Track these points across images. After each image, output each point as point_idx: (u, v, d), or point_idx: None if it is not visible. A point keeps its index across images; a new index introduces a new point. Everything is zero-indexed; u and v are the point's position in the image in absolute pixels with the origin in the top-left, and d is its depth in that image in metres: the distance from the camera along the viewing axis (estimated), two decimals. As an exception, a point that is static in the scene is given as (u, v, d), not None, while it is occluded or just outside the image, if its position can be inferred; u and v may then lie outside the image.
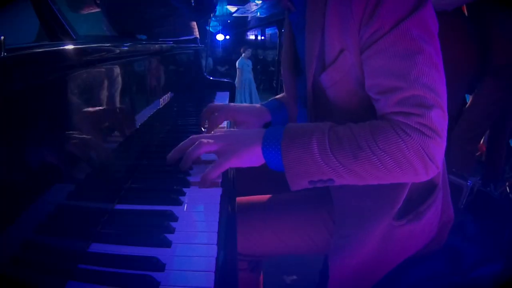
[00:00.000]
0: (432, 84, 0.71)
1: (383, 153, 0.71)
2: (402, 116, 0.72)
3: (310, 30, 0.83)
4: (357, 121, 0.77)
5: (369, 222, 0.87)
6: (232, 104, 1.19)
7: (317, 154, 0.73)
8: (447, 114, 0.74)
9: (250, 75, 8.05)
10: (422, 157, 0.71)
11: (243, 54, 8.05)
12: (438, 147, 0.72)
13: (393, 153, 0.71)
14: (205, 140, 0.83)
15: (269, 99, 1.22)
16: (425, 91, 0.70)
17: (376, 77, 0.75)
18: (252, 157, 0.79)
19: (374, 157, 0.71)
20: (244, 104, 1.22)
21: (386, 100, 0.74)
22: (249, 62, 8.13)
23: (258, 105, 1.19)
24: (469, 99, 2.34)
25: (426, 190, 0.88)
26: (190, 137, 0.87)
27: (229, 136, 0.84)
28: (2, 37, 0.45)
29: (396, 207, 0.85)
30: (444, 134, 0.73)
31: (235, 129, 0.87)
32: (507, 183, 2.34)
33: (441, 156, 0.73)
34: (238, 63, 8.02)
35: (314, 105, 0.91)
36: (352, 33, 0.75)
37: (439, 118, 0.71)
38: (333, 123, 0.79)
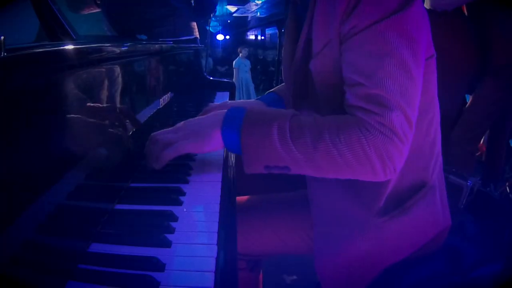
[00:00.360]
0: (397, 87, 0.71)
1: (343, 147, 0.71)
2: (363, 113, 0.72)
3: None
4: (340, 112, 0.77)
5: (347, 219, 0.87)
6: (230, 101, 1.20)
7: (276, 140, 0.73)
8: (412, 122, 0.73)
9: (248, 75, 8.03)
10: (381, 156, 0.71)
11: (240, 54, 8.05)
12: (397, 149, 0.71)
13: (353, 148, 0.71)
14: (165, 140, 0.83)
15: (267, 92, 1.23)
16: (387, 92, 0.70)
17: (346, 70, 0.76)
18: (212, 140, 0.80)
19: (334, 149, 0.71)
20: (241, 101, 1.23)
21: (351, 93, 0.75)
22: (247, 62, 8.11)
23: (254, 100, 1.19)
24: (469, 99, 2.34)
25: (413, 187, 0.87)
26: (151, 136, 0.87)
27: (188, 125, 0.84)
28: (2, 37, 0.45)
29: (377, 205, 0.85)
30: (406, 139, 0.72)
31: (195, 118, 0.88)
32: (507, 183, 2.34)
33: (400, 160, 0.73)
34: (235, 63, 8.02)
35: (301, 94, 0.91)
36: (335, 27, 0.77)
37: (401, 122, 0.71)
38: (297, 112, 0.80)
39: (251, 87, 8.01)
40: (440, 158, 0.94)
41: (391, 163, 0.72)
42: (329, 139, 0.72)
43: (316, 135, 0.73)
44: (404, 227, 0.86)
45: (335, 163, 0.72)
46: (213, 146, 0.81)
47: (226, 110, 0.82)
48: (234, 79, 7.80)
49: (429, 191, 0.89)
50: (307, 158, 0.73)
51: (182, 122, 0.87)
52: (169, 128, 0.87)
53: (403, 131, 0.71)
